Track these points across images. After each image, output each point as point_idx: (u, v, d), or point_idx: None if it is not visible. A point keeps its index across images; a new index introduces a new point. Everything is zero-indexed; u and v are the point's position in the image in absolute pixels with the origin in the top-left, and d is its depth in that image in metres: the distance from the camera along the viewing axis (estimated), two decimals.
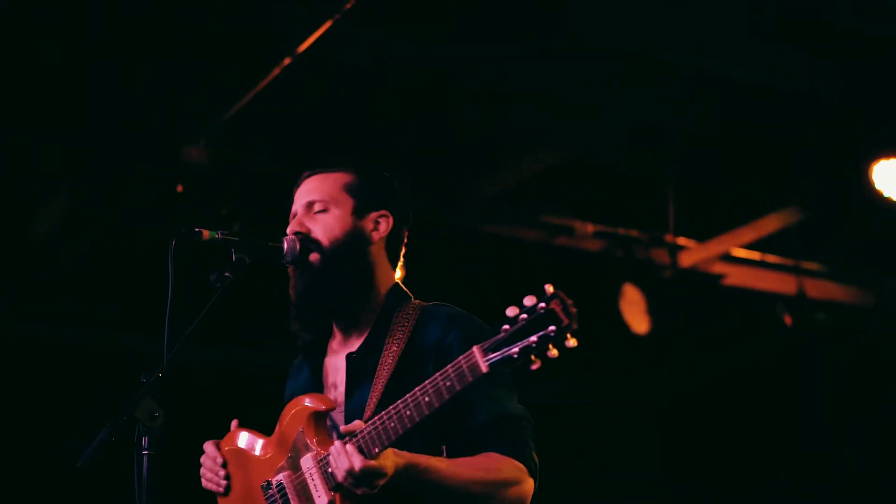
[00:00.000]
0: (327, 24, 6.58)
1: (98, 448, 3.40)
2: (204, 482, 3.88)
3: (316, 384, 3.83)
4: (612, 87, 7.71)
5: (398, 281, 3.89)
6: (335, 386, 3.78)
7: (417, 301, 3.80)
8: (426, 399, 3.25)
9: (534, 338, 3.01)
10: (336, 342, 3.85)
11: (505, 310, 3.11)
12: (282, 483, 3.63)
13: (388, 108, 7.76)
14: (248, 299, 5.34)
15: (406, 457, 3.41)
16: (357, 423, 3.39)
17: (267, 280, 3.92)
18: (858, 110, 7.95)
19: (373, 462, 3.31)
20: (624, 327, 8.82)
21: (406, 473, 3.39)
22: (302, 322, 3.79)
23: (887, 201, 8.02)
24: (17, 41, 6.90)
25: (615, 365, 10.20)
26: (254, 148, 7.84)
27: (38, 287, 8.85)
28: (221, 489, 3.81)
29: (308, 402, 3.61)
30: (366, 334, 3.76)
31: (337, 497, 3.47)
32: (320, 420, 3.59)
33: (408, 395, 3.29)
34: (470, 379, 3.17)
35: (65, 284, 8.79)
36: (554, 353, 3.02)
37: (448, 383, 3.21)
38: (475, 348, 3.14)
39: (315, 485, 3.53)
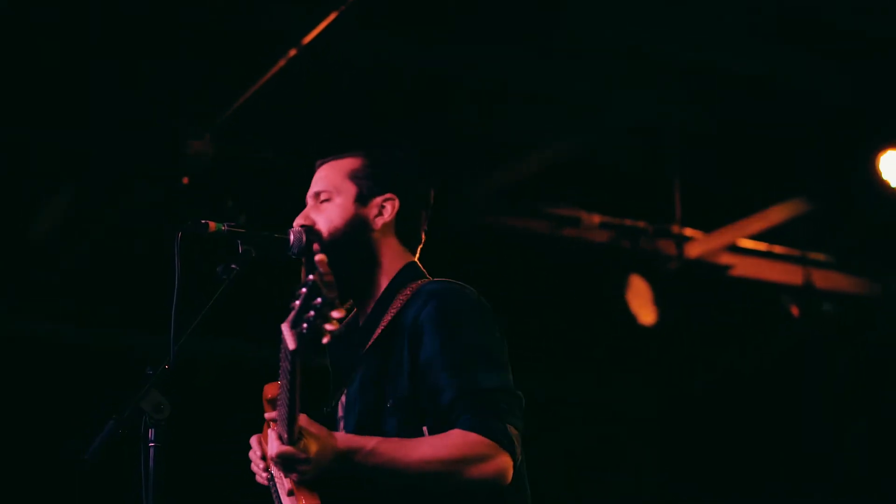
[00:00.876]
0: (332, 17, 6.58)
1: (105, 440, 3.40)
2: (257, 479, 3.81)
3: (333, 371, 3.82)
4: (618, 83, 7.71)
5: (415, 261, 3.83)
6: (344, 369, 3.77)
7: (423, 280, 3.74)
8: (283, 380, 3.16)
9: (311, 312, 2.92)
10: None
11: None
12: (271, 472, 3.64)
13: (393, 104, 7.77)
14: (255, 292, 5.34)
15: (346, 440, 3.35)
16: (272, 413, 3.35)
17: (274, 272, 3.91)
18: (865, 101, 7.94)
19: (288, 448, 3.23)
20: (630, 318, 8.81)
21: (346, 457, 3.31)
22: None
23: (894, 191, 8.02)
24: (16, 39, 6.90)
25: (621, 356, 10.20)
26: (259, 141, 7.84)
27: (40, 285, 8.86)
28: (266, 482, 3.79)
29: (267, 392, 3.62)
30: (364, 319, 3.75)
31: (293, 484, 3.45)
32: (273, 405, 3.53)
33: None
34: (288, 359, 3.07)
35: (67, 282, 8.79)
36: (329, 327, 2.91)
37: (283, 364, 3.13)
38: (283, 327, 3.03)
39: (280, 473, 3.54)
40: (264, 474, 3.73)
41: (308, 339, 2.96)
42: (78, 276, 8.73)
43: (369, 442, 3.36)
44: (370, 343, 3.64)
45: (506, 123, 8.23)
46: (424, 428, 3.46)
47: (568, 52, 7.40)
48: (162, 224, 7.48)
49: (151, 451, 3.40)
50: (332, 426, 3.69)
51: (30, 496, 9.08)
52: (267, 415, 3.47)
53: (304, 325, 2.94)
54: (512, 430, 3.41)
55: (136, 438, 3.43)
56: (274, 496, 3.66)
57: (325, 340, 2.94)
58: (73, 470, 3.56)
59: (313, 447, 3.26)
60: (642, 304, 8.80)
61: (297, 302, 2.98)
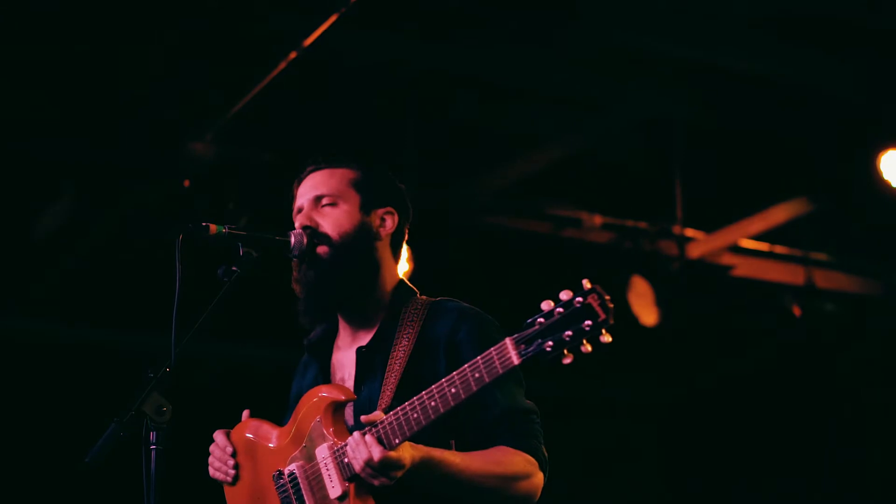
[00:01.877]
0: (333, 18, 6.58)
1: (107, 443, 3.40)
2: (211, 471, 3.87)
3: (324, 381, 3.82)
4: (620, 81, 7.71)
5: (404, 277, 3.90)
6: (343, 381, 3.78)
7: (424, 297, 3.81)
8: (453, 390, 3.24)
9: (569, 332, 3.01)
10: (342, 339, 3.85)
11: (539, 303, 3.11)
12: (294, 473, 3.62)
13: (396, 103, 7.77)
14: (256, 294, 5.34)
15: (422, 450, 3.41)
16: (377, 414, 3.38)
17: (274, 275, 3.91)
18: (867, 101, 7.93)
19: (392, 453, 3.31)
20: (632, 319, 8.81)
21: (421, 466, 3.39)
22: (311, 315, 3.79)
23: (895, 191, 8.02)
24: (18, 39, 6.90)
25: (623, 356, 10.20)
26: (259, 143, 7.84)
27: (41, 287, 8.86)
28: (229, 479, 3.80)
29: (325, 392, 3.61)
30: (375, 329, 3.76)
31: (351, 488, 3.46)
32: (338, 411, 3.59)
33: (433, 387, 3.29)
34: (500, 371, 3.17)
35: (68, 284, 8.79)
36: (588, 347, 3.02)
37: (477, 374, 3.21)
38: (508, 340, 3.13)
39: (329, 475, 3.51)
40: (231, 472, 3.76)
41: (540, 357, 3.08)
42: (79, 277, 8.73)
43: (438, 453, 3.45)
44: (394, 354, 3.67)
45: (507, 124, 8.23)
46: (452, 441, 3.57)
47: (570, 52, 7.40)
48: (163, 226, 7.49)
49: (153, 453, 3.40)
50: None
51: (31, 498, 9.08)
52: (365, 418, 3.42)
53: (550, 342, 3.05)
54: (545, 451, 3.62)
55: (138, 441, 3.42)
56: (283, 497, 3.65)
57: (566, 361, 3.04)
58: (75, 472, 3.55)
59: (407, 456, 3.36)
60: (644, 305, 8.79)
61: (554, 319, 3.06)
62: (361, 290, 3.78)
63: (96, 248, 8.50)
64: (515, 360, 3.12)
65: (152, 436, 3.41)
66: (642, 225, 8.92)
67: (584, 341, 3.01)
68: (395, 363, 3.64)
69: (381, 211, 3.84)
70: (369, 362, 3.71)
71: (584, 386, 10.67)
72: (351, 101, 7.64)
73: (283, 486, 3.65)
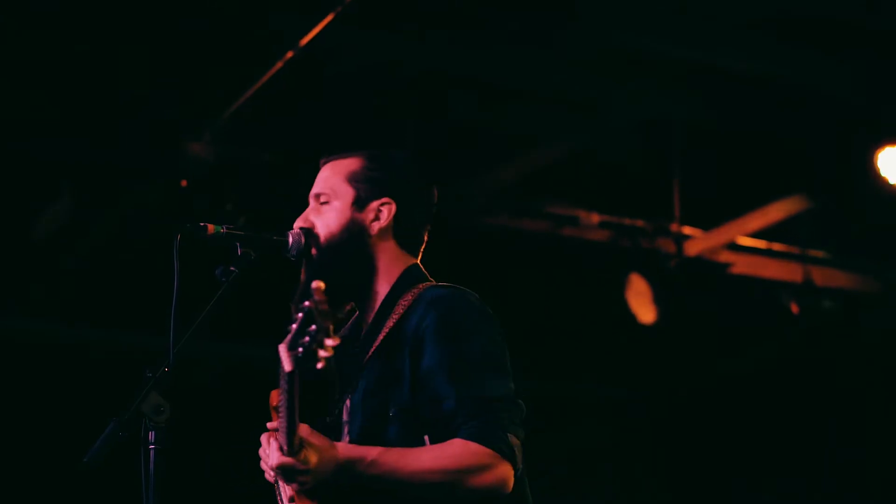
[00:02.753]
0: (330, 17, 6.58)
1: (106, 443, 3.41)
2: (266, 476, 3.79)
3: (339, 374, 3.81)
4: (617, 80, 7.71)
5: (417, 263, 3.81)
6: (346, 376, 3.75)
7: (425, 284, 3.72)
8: (283, 397, 3.17)
9: (307, 338, 2.95)
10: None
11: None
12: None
13: (392, 104, 7.77)
14: (255, 294, 5.34)
15: (347, 451, 3.36)
16: (274, 422, 3.37)
17: (274, 274, 3.91)
18: (864, 98, 7.94)
19: (287, 458, 3.26)
20: (630, 317, 8.81)
21: (347, 468, 3.34)
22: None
23: (893, 188, 8.02)
24: (16, 41, 6.90)
25: (620, 355, 10.20)
26: (257, 143, 7.84)
27: (39, 287, 8.86)
28: (271, 479, 3.79)
29: (272, 399, 3.59)
30: (368, 325, 3.73)
31: (293, 491, 3.47)
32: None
33: None
34: (285, 379, 3.10)
35: (66, 284, 8.80)
36: (323, 353, 2.94)
37: (281, 383, 3.15)
38: (280, 347, 3.06)
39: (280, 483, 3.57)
40: (272, 473, 3.74)
41: (303, 362, 3.00)
42: (77, 277, 8.73)
43: (371, 452, 3.37)
44: (372, 350, 3.62)
45: (504, 122, 8.23)
46: (426, 437, 3.46)
47: (569, 53, 7.41)
48: (160, 226, 7.48)
49: (152, 453, 3.40)
50: (337, 433, 3.68)
51: (29, 499, 9.08)
52: (269, 424, 3.47)
53: (300, 348, 2.99)
54: (513, 440, 3.42)
55: (136, 441, 3.43)
56: (278, 497, 3.67)
57: (319, 366, 2.96)
58: (73, 473, 3.55)
59: (313, 458, 3.28)
60: (642, 303, 8.80)
61: (294, 325, 3.01)
62: (352, 290, 3.75)
63: (95, 247, 8.50)
64: (287, 367, 3.06)
65: (151, 435, 3.41)
66: (640, 223, 8.93)
67: (317, 348, 2.95)
68: (372, 360, 3.62)
69: (375, 204, 3.75)
70: (357, 361, 3.68)
71: (578, 386, 10.68)
72: (349, 100, 7.64)
73: (277, 486, 3.66)
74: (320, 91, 7.52)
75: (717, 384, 10.70)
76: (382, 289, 3.73)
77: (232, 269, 3.60)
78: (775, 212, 8.94)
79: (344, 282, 3.69)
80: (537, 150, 8.43)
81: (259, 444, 3.69)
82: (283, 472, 3.29)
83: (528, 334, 8.38)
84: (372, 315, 3.72)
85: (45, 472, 8.90)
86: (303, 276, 3.76)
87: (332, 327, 2.95)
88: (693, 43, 7.34)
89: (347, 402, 3.72)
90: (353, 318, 3.85)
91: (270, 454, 3.33)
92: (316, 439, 3.31)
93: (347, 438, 3.63)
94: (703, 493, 10.84)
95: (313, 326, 2.94)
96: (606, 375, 10.61)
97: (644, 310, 8.80)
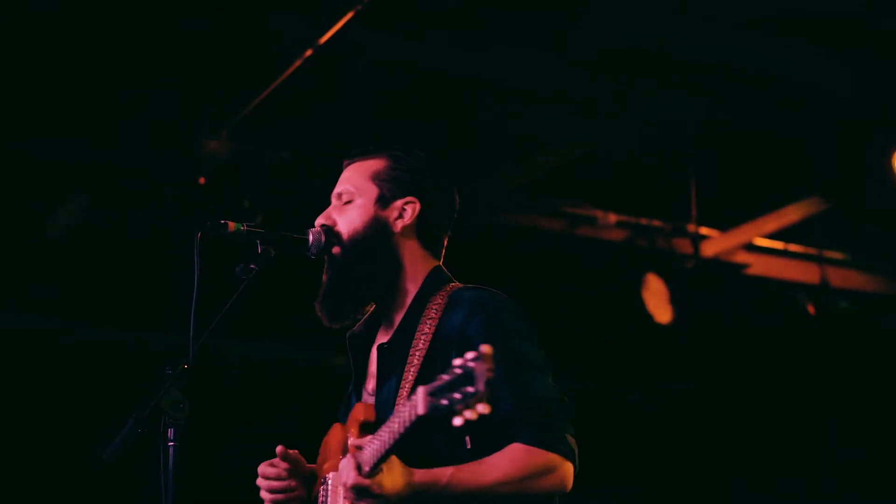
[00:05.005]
0: (349, 16, 6.58)
1: (125, 440, 3.42)
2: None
3: (357, 374, 3.82)
4: (634, 81, 7.70)
5: (439, 265, 3.81)
6: (373, 375, 3.76)
7: (453, 285, 3.72)
8: (394, 426, 3.14)
9: (457, 394, 2.90)
10: (380, 332, 3.82)
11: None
12: (327, 479, 3.64)
13: (409, 103, 7.77)
14: (275, 293, 5.35)
15: (422, 475, 3.35)
16: (365, 439, 3.32)
17: (294, 273, 3.91)
18: (881, 99, 7.92)
19: (364, 480, 3.23)
20: (646, 317, 8.81)
21: (425, 493, 3.33)
22: (328, 316, 3.77)
23: None
24: (33, 38, 6.92)
25: (636, 355, 10.20)
26: (275, 140, 7.85)
27: (55, 285, 8.88)
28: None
29: (360, 415, 3.56)
30: (396, 325, 3.72)
31: None
32: (365, 430, 3.49)
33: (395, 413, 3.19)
34: (408, 422, 3.04)
35: (83, 282, 8.81)
36: (468, 415, 2.88)
37: (403, 416, 3.09)
38: (420, 390, 2.99)
39: (339, 490, 3.54)
40: (270, 497, 3.73)
41: (440, 414, 2.94)
42: (94, 275, 8.75)
43: (445, 473, 3.37)
44: (413, 352, 3.60)
45: (521, 122, 8.23)
46: (467, 438, 3.48)
47: (584, 50, 7.40)
48: (178, 224, 7.50)
49: (171, 450, 3.40)
50: None
51: (48, 495, 9.12)
52: (353, 441, 3.36)
53: (445, 401, 2.92)
54: (570, 439, 3.49)
55: (156, 437, 3.43)
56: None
57: (457, 422, 2.90)
58: (93, 469, 3.56)
59: (387, 483, 3.26)
60: (658, 303, 8.79)
61: (447, 377, 2.93)
62: (377, 287, 3.75)
63: (110, 246, 8.52)
64: (420, 411, 2.99)
65: (170, 432, 3.41)
66: (657, 223, 8.92)
67: (464, 408, 2.89)
68: (414, 358, 3.58)
69: (400, 202, 3.76)
70: (389, 359, 3.67)
71: (594, 386, 10.68)
72: (366, 100, 7.64)
73: (323, 490, 3.66)
74: (337, 90, 7.52)
75: (732, 384, 10.69)
76: (410, 288, 3.74)
77: (252, 266, 3.61)
78: (792, 213, 8.92)
79: (367, 279, 3.71)
80: (555, 149, 8.42)
81: (264, 454, 3.72)
82: (357, 492, 3.27)
83: (542, 334, 8.37)
84: (401, 314, 3.72)
85: (64, 470, 8.93)
86: (325, 276, 3.77)
87: (486, 394, 2.89)
88: (713, 43, 7.33)
89: (368, 395, 3.74)
90: (366, 315, 3.85)
91: (345, 472, 3.30)
92: (396, 464, 3.31)
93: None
94: (716, 492, 10.83)
95: (471, 388, 2.88)
96: (622, 375, 10.61)
97: (660, 310, 8.79)
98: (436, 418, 2.95)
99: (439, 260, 3.83)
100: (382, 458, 3.20)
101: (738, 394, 10.72)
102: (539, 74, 7.65)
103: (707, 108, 8.12)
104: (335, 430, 3.80)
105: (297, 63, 6.95)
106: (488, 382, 2.84)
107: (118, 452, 3.45)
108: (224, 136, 7.54)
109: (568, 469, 3.46)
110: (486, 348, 2.87)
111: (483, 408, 2.86)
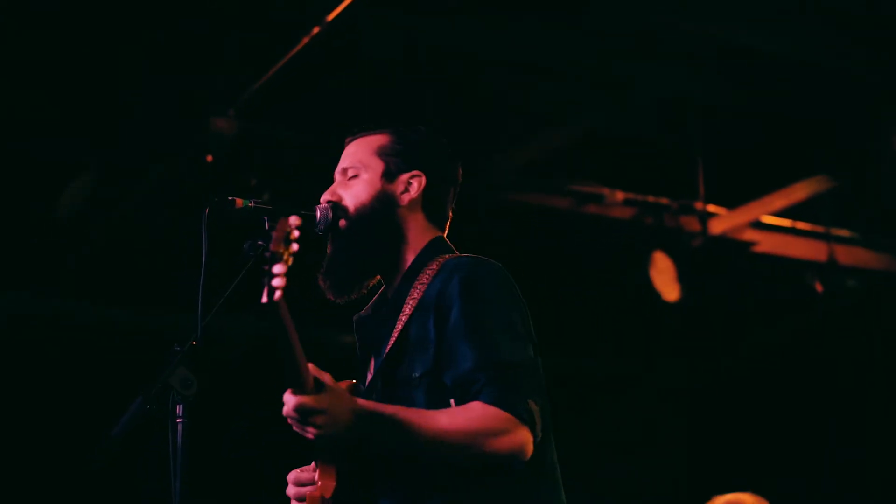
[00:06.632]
0: None
1: (133, 417, 3.43)
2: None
3: (362, 349, 3.82)
4: (644, 58, 7.69)
5: (441, 236, 3.82)
6: (373, 346, 3.77)
7: (449, 255, 3.72)
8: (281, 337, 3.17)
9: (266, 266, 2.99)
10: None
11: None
12: None
13: (417, 80, 7.77)
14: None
15: (365, 403, 3.32)
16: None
17: (301, 250, 3.92)
18: (888, 77, 7.91)
19: (303, 397, 3.18)
20: (654, 295, 8.80)
21: (364, 417, 3.27)
22: (334, 289, 3.77)
23: None
24: (41, 17, 6.91)
25: (644, 333, 10.20)
26: (282, 118, 7.85)
27: (63, 264, 8.89)
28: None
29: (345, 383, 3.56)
30: (391, 294, 3.74)
31: (317, 471, 3.48)
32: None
33: None
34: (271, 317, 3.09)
35: (91, 261, 8.82)
36: (277, 282, 2.97)
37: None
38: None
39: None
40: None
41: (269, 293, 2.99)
42: (101, 254, 8.76)
43: (388, 408, 3.34)
44: (400, 318, 3.61)
45: (528, 100, 8.22)
46: (451, 401, 3.43)
47: (592, 28, 7.39)
48: (184, 202, 7.51)
49: (179, 427, 3.41)
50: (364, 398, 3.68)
51: (56, 472, 9.14)
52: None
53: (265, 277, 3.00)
54: (532, 406, 3.39)
55: (164, 414, 3.44)
56: None
57: (277, 297, 2.98)
58: (101, 447, 3.56)
59: (329, 398, 3.22)
60: (666, 281, 8.79)
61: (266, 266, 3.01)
62: (383, 260, 3.76)
63: (118, 225, 8.53)
64: (264, 299, 3.02)
65: (178, 409, 3.42)
66: (664, 201, 8.92)
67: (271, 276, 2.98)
68: (399, 324, 3.59)
69: (405, 176, 3.78)
70: (383, 326, 3.68)
71: (602, 364, 10.69)
72: (373, 77, 7.64)
73: None
74: (344, 67, 7.52)
75: (740, 362, 10.71)
76: (409, 259, 3.75)
77: (260, 243, 3.60)
78: (800, 191, 8.92)
79: (373, 251, 3.73)
80: (562, 127, 8.41)
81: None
82: (300, 412, 3.20)
83: (550, 311, 8.38)
84: (396, 284, 3.74)
85: (72, 448, 8.95)
86: (329, 250, 3.78)
87: (279, 254, 2.98)
88: (719, 21, 7.32)
89: (371, 372, 3.75)
90: (379, 290, 3.85)
91: (286, 399, 3.22)
92: (331, 382, 3.26)
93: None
94: (727, 471, 10.83)
95: (268, 253, 3.00)
96: (630, 354, 10.62)
97: (668, 288, 8.79)
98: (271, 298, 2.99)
99: (443, 232, 3.84)
100: (296, 368, 3.16)
101: (746, 372, 10.72)
102: (547, 52, 7.64)
103: (715, 86, 8.12)
104: None
105: (305, 41, 6.94)
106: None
107: (126, 430, 3.45)
108: (231, 115, 7.53)
109: (524, 434, 3.35)
110: (292, 219, 3.03)
111: (279, 268, 2.98)
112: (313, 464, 3.66)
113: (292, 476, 3.68)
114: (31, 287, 8.87)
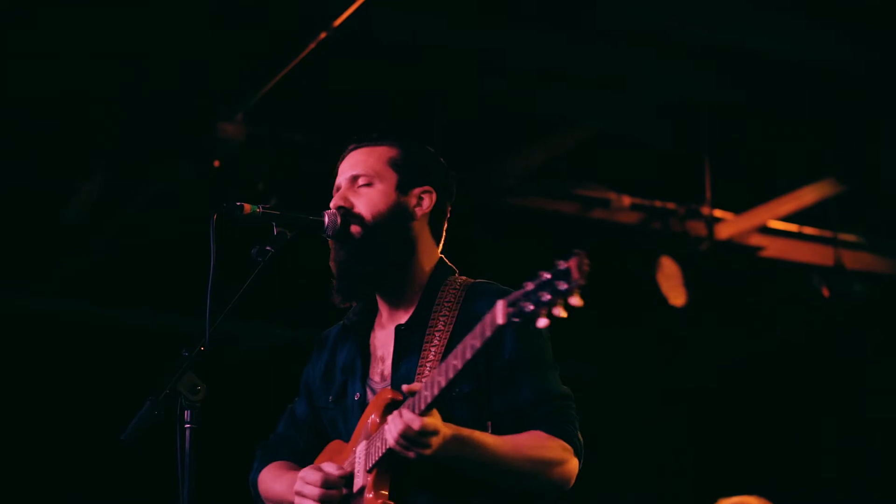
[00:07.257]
0: None
1: (142, 422, 3.43)
2: None
3: (363, 358, 3.82)
4: (648, 62, 7.69)
5: (442, 256, 3.87)
6: (382, 359, 3.77)
7: (463, 277, 3.80)
8: (454, 362, 3.20)
9: (548, 294, 2.97)
10: (382, 317, 3.84)
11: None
12: (354, 452, 3.63)
13: (423, 85, 7.77)
14: (289, 275, 5.35)
15: (452, 427, 3.38)
16: (417, 384, 3.36)
17: (306, 256, 3.92)
18: (894, 81, 7.90)
19: (418, 419, 3.26)
20: (661, 299, 8.79)
21: (452, 444, 3.36)
22: (343, 293, 3.79)
23: None
24: (47, 21, 6.92)
25: (651, 337, 10.20)
26: (289, 123, 7.85)
27: (70, 268, 8.90)
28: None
29: (389, 394, 3.58)
30: (413, 308, 3.75)
31: (370, 479, 3.47)
32: (391, 407, 3.52)
33: (448, 357, 3.25)
34: (489, 333, 3.11)
35: (98, 265, 8.83)
36: (559, 310, 2.97)
37: (472, 342, 3.16)
38: (499, 302, 3.08)
39: (358, 469, 3.54)
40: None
41: (525, 318, 3.01)
42: (109, 258, 8.77)
43: (469, 433, 3.42)
44: (433, 333, 3.65)
45: (535, 103, 8.22)
46: (489, 424, 3.55)
47: (598, 31, 7.39)
48: (192, 207, 7.51)
49: (187, 432, 3.42)
50: (360, 412, 3.71)
51: (65, 476, 9.15)
52: (405, 387, 3.38)
53: (530, 305, 3.00)
54: (580, 438, 3.59)
55: (173, 420, 3.44)
56: None
57: (541, 323, 2.98)
58: (109, 450, 3.57)
59: (440, 423, 3.32)
60: (673, 286, 8.78)
61: (531, 284, 3.03)
62: (395, 270, 3.77)
63: (126, 229, 8.54)
64: (500, 320, 3.06)
65: (187, 414, 3.42)
66: (671, 206, 8.91)
67: (558, 303, 2.97)
68: (434, 340, 3.62)
69: (418, 190, 3.80)
70: (408, 340, 3.70)
71: (608, 369, 10.68)
72: (378, 81, 7.65)
73: (348, 464, 3.65)
74: (351, 72, 7.52)
75: (747, 366, 10.69)
76: (421, 273, 3.79)
77: (268, 248, 3.62)
78: (806, 195, 8.91)
79: (387, 261, 3.74)
80: (568, 131, 8.41)
81: None
82: (422, 433, 3.27)
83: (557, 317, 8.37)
84: (413, 297, 3.76)
85: (81, 452, 8.96)
86: (333, 255, 3.79)
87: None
88: (724, 23, 7.32)
89: (378, 379, 3.75)
90: (353, 304, 3.89)
91: (394, 423, 3.29)
92: (437, 414, 3.34)
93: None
94: (730, 474, 10.82)
95: (565, 285, 2.98)
96: (636, 358, 10.61)
97: (675, 293, 8.78)
98: (519, 323, 3.01)
99: (439, 247, 3.89)
100: (440, 396, 3.25)
101: (752, 376, 10.71)
102: (553, 56, 7.64)
103: (722, 90, 8.11)
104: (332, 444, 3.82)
105: (312, 45, 6.95)
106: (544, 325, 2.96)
107: (135, 435, 3.45)
108: (239, 120, 7.54)
109: (576, 465, 3.58)
110: (578, 253, 3.04)
111: (576, 300, 2.97)
112: (319, 464, 3.68)
113: (313, 477, 3.63)
114: (31, 287, 8.89)
